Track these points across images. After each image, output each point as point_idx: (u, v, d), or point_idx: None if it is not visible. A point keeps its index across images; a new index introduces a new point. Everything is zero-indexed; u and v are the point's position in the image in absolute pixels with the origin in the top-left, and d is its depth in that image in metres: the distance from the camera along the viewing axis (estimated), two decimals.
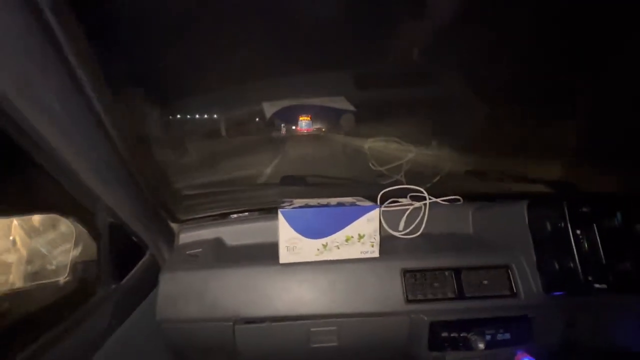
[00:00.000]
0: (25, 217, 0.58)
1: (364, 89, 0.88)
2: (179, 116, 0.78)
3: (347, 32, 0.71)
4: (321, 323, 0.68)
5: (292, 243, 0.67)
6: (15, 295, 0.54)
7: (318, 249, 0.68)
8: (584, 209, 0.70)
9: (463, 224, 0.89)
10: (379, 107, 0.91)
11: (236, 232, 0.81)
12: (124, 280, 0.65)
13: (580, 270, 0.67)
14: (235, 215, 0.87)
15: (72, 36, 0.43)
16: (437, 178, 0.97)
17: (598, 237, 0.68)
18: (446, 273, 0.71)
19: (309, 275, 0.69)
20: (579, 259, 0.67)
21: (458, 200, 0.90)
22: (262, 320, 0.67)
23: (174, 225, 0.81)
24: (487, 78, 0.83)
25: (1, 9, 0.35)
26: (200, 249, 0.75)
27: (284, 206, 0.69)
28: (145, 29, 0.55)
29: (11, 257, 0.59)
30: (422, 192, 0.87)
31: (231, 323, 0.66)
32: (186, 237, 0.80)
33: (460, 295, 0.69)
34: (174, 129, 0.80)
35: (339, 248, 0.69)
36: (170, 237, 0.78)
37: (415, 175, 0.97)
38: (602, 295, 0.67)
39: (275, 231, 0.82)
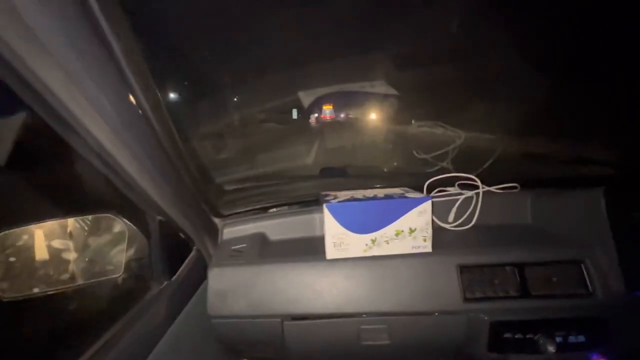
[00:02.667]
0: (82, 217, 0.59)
1: (405, 69, 0.81)
2: (219, 111, 0.76)
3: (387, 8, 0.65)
4: (371, 321, 0.65)
5: (339, 239, 0.64)
6: (78, 292, 0.57)
7: (366, 245, 0.64)
8: None
9: (520, 214, 0.81)
10: (422, 89, 0.84)
11: (278, 227, 0.80)
12: (175, 276, 0.66)
13: None
14: (275, 209, 0.86)
15: (118, 31, 0.42)
16: (489, 163, 0.89)
17: None
18: (508, 269, 0.65)
19: (357, 272, 0.65)
20: None
21: (514, 187, 0.82)
22: (309, 317, 0.66)
23: (216, 221, 0.81)
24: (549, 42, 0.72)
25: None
26: (245, 244, 0.74)
27: (329, 200, 0.66)
28: (187, 22, 0.53)
29: (70, 255, 0.61)
30: (473, 180, 0.80)
31: (279, 320, 0.65)
32: (229, 232, 0.79)
33: (525, 294, 0.63)
34: (214, 124, 0.79)
35: (388, 243, 0.65)
36: (214, 233, 0.79)
37: (463, 161, 0.90)
38: None
39: (317, 225, 0.80)
